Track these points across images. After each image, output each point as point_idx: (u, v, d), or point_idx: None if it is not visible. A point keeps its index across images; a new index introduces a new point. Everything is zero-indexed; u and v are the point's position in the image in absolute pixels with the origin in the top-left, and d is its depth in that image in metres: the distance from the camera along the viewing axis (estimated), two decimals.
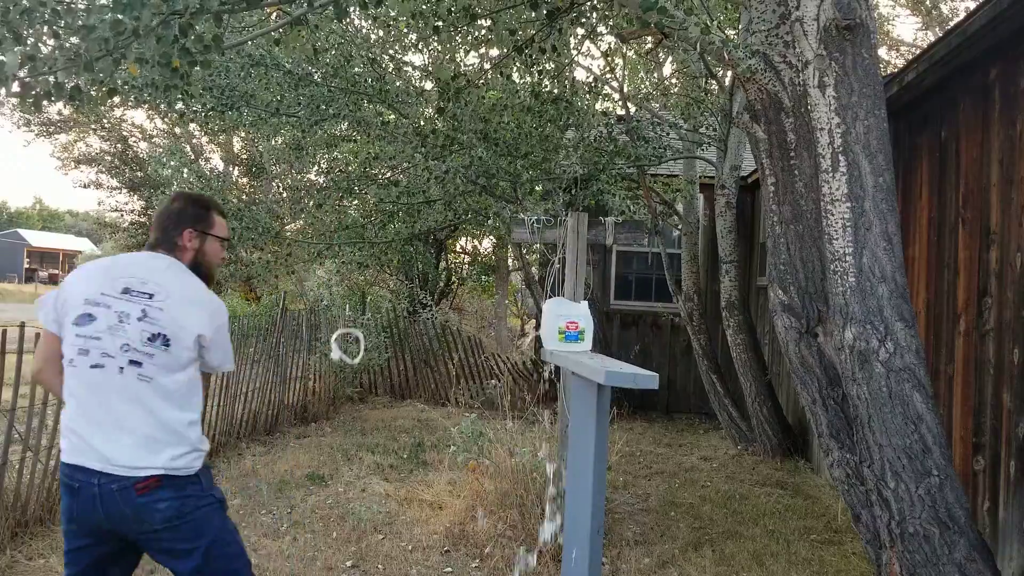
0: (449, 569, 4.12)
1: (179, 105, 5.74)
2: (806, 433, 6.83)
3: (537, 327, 10.17)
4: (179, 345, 2.23)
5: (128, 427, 2.18)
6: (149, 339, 2.20)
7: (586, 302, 3.09)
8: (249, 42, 5.19)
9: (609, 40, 6.82)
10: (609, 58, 7.26)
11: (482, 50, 5.94)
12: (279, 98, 5.94)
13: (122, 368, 2.19)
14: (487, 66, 5.89)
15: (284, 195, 9.55)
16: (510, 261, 14.70)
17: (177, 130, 18.42)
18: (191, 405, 2.27)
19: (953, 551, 2.53)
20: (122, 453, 2.17)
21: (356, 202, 8.84)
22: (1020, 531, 3.43)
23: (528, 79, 5.68)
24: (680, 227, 7.78)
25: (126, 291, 2.24)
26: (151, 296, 2.24)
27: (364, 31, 6.42)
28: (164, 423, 2.21)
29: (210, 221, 2.45)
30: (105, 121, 18.56)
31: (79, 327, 2.21)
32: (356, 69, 5.87)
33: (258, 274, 9.65)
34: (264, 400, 7.29)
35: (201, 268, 2.42)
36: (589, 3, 4.03)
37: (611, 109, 7.39)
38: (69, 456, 2.20)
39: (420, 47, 6.75)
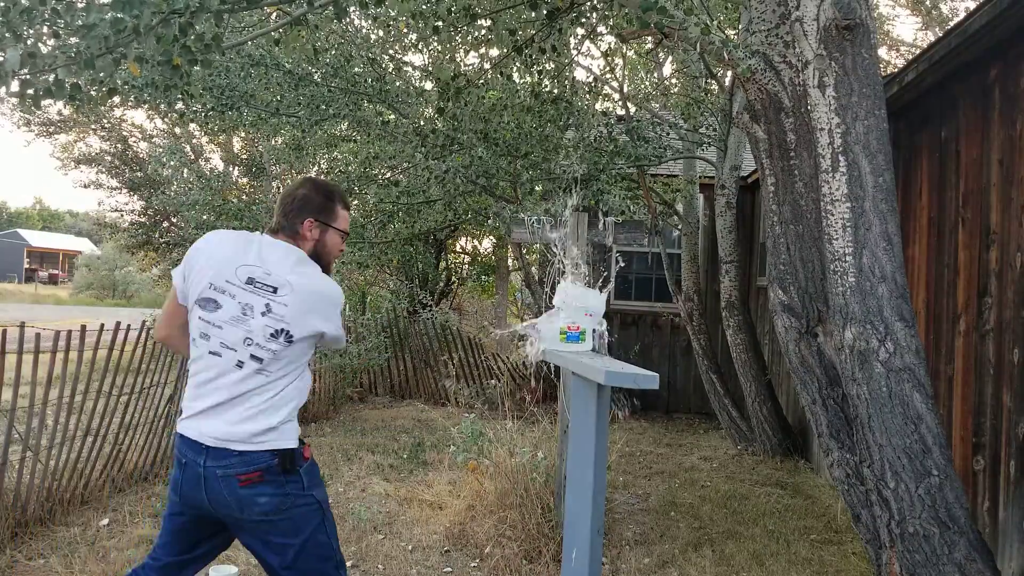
0: (449, 569, 4.12)
1: (179, 105, 5.74)
2: (806, 433, 6.83)
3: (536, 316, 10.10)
4: (301, 341, 2.24)
5: (237, 414, 2.22)
6: (272, 335, 2.21)
7: (601, 292, 2.93)
8: (249, 42, 5.18)
9: (609, 40, 6.83)
10: (609, 58, 7.26)
11: (482, 50, 5.94)
12: (279, 98, 5.94)
13: (242, 362, 2.21)
14: (487, 66, 5.89)
15: None
16: (510, 261, 14.70)
17: (177, 130, 18.41)
18: (292, 397, 2.29)
19: (953, 551, 2.53)
20: (230, 433, 2.21)
21: (356, 202, 8.84)
22: (1020, 531, 3.43)
23: (528, 79, 5.68)
24: (680, 227, 7.78)
25: (250, 281, 2.24)
26: (275, 290, 2.23)
27: (364, 31, 6.41)
28: (270, 412, 2.23)
29: (334, 213, 2.40)
30: (105, 121, 18.55)
31: (203, 311, 2.25)
32: (356, 69, 5.87)
33: None
34: None
35: (319, 259, 2.38)
36: (589, 3, 4.03)
37: (611, 109, 7.39)
38: (184, 429, 2.27)
39: (420, 47, 6.74)
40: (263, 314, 2.21)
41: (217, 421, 2.22)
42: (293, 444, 2.27)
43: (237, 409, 2.21)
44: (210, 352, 2.23)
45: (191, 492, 2.24)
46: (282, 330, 2.21)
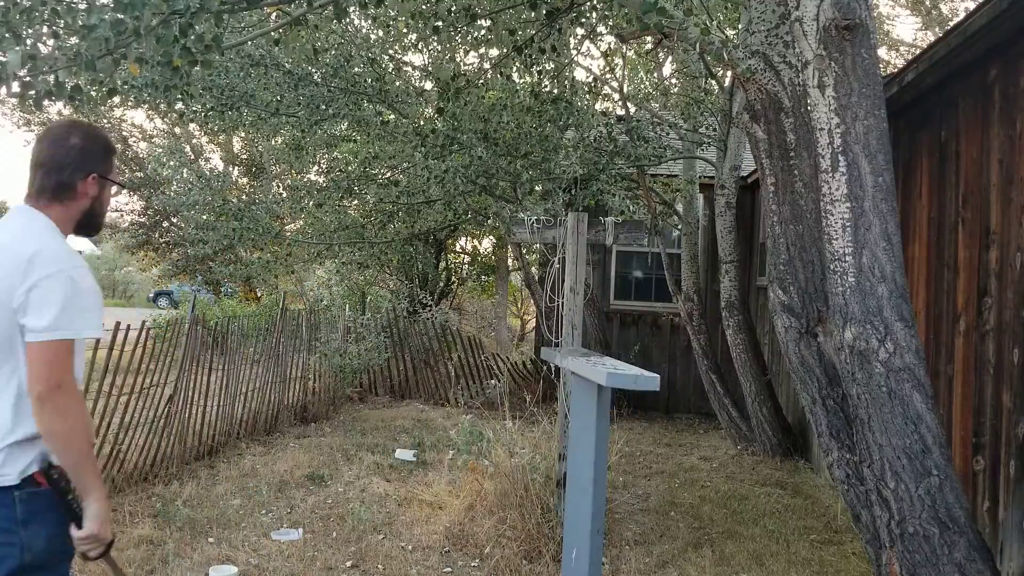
0: (449, 569, 4.12)
1: (179, 105, 5.74)
2: (806, 433, 6.83)
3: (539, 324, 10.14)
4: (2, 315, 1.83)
5: None
6: None
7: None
8: (249, 42, 5.19)
9: (609, 40, 6.83)
10: (609, 58, 7.27)
11: (482, 50, 5.94)
12: (279, 98, 5.95)
13: None
14: (487, 66, 5.89)
15: (284, 195, 9.57)
16: (510, 261, 14.70)
17: (177, 130, 18.42)
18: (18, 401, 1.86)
19: (953, 551, 2.53)
20: None
21: (356, 202, 8.84)
22: (1020, 531, 3.43)
23: (528, 79, 5.69)
24: (680, 227, 7.78)
25: None
26: None
27: (364, 31, 6.42)
28: None
29: (111, 164, 2.03)
30: (105, 121, 18.55)
31: None
32: (356, 69, 5.88)
33: (258, 274, 9.66)
34: (264, 400, 7.29)
35: (96, 218, 2.03)
36: (589, 3, 4.03)
37: (611, 109, 7.40)
38: None
39: (420, 47, 6.75)
40: None
41: None
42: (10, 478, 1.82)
43: None
44: None
45: None
46: None
